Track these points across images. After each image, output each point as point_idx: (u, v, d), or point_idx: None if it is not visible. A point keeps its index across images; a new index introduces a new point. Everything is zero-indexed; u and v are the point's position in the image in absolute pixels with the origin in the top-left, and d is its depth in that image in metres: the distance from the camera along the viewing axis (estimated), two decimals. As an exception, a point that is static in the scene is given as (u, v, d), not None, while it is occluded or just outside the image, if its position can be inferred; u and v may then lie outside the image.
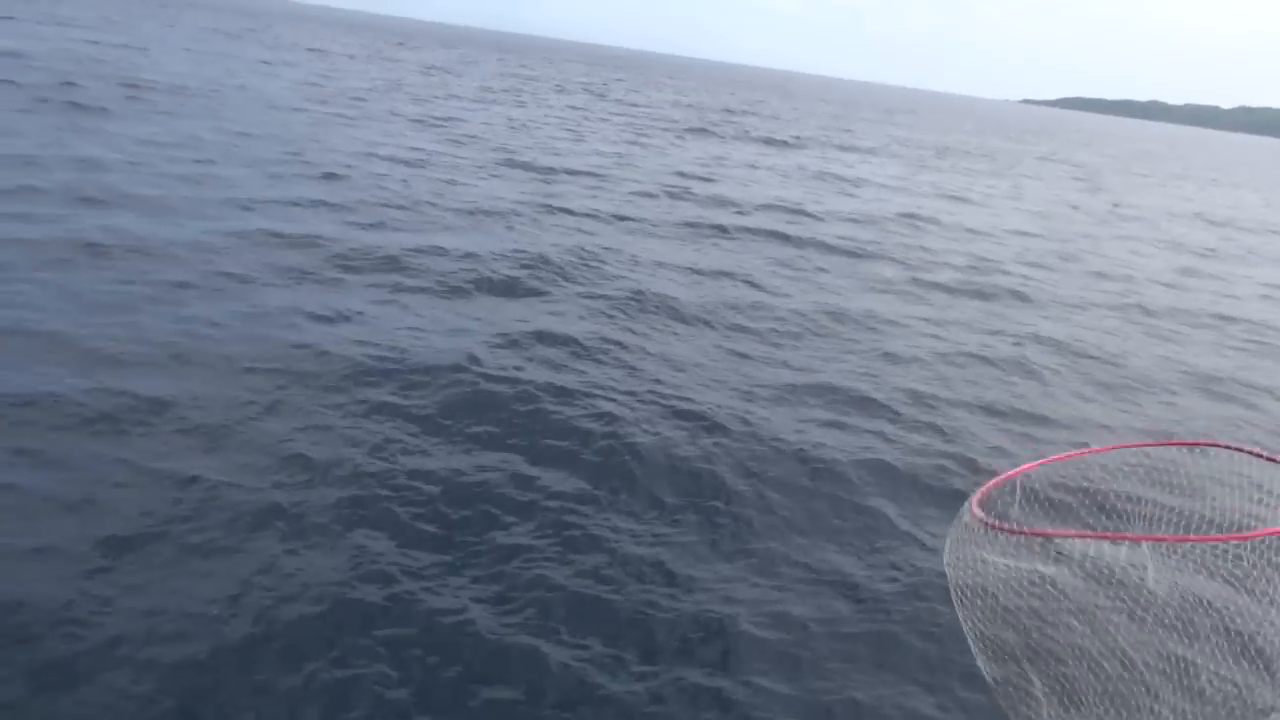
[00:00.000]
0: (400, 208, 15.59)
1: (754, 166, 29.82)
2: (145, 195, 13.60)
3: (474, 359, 8.92)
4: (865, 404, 9.24)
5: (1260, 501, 2.33)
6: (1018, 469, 2.61)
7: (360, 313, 9.99)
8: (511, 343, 9.59)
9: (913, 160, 41.78)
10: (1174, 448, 2.62)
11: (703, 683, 4.89)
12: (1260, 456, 2.43)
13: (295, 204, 14.64)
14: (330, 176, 17.23)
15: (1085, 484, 3.28)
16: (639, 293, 12.20)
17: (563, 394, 8.34)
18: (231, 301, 9.71)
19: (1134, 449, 2.69)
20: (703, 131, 40.62)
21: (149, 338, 8.38)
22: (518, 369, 8.85)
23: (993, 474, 2.54)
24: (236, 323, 9.12)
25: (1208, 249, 25.04)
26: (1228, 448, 2.51)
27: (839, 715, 4.79)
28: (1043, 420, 9.55)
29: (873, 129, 64.28)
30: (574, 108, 43.25)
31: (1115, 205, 33.72)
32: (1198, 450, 2.56)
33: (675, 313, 11.59)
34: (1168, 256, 22.66)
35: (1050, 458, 2.67)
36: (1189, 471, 2.55)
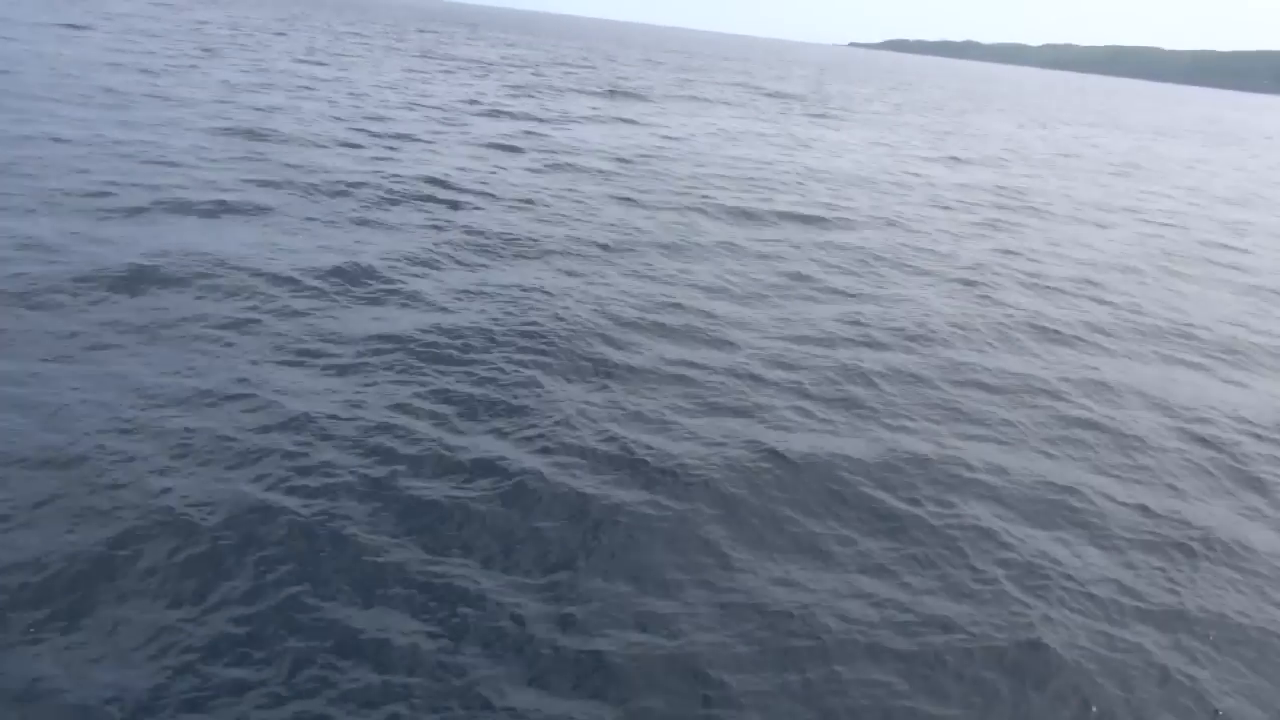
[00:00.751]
0: (224, 193, 14.55)
1: (601, 121, 29.53)
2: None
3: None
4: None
5: None
6: None
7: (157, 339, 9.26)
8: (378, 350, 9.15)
9: (774, 110, 42.45)
10: None
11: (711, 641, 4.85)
12: None
13: (99, 195, 13.40)
14: (163, 162, 15.86)
15: None
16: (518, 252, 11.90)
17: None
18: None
19: None
20: (546, 88, 39.86)
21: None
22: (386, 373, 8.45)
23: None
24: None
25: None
26: None
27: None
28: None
29: (720, 77, 64.78)
30: (409, 70, 41.51)
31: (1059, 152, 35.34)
32: None
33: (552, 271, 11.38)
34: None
35: None
36: None
